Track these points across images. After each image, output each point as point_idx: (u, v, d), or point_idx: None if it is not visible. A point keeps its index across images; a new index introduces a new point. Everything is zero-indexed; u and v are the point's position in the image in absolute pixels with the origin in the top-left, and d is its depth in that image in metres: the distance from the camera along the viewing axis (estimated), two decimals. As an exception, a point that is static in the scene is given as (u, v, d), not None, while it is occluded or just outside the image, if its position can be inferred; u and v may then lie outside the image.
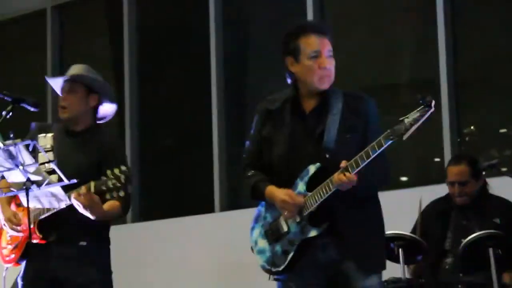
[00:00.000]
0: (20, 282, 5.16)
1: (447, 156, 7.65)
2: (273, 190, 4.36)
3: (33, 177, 4.77)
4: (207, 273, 8.58)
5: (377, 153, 4.08)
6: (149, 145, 9.75)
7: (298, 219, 4.31)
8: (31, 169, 4.75)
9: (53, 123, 5.33)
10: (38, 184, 4.76)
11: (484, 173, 6.20)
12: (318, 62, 4.34)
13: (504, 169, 7.29)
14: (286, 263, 4.34)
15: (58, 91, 5.28)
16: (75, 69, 5.30)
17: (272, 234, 4.40)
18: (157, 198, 9.65)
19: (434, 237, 6.02)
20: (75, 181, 4.79)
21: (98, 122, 5.32)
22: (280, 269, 4.36)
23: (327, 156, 4.27)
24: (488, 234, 5.62)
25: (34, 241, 5.01)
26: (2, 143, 4.75)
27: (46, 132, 5.25)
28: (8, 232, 5.19)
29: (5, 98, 5.23)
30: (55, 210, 4.98)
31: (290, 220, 4.33)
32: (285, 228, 4.35)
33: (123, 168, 4.78)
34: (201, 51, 9.28)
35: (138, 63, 9.82)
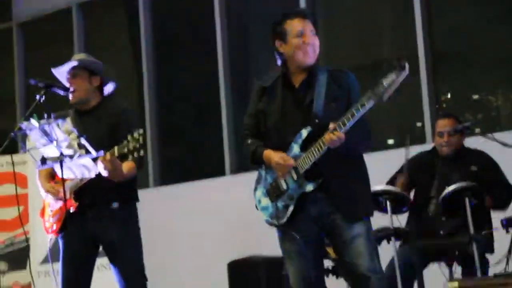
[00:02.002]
0: (60, 241, 5.20)
1: (427, 121, 7.67)
2: (269, 154, 4.39)
3: (66, 151, 4.80)
4: (221, 230, 8.64)
5: (361, 113, 4.11)
6: (166, 119, 9.77)
7: (295, 177, 4.34)
8: (64, 144, 4.79)
9: (68, 110, 5.34)
10: (71, 156, 4.81)
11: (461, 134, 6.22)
12: (303, 39, 4.40)
13: (477, 130, 7.33)
14: (288, 215, 4.37)
15: (64, 81, 5.28)
16: (77, 57, 5.34)
17: (273, 192, 4.43)
18: (175, 165, 9.69)
19: (422, 184, 6.04)
20: (102, 153, 4.84)
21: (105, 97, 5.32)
22: (284, 221, 4.39)
23: (317, 121, 4.30)
24: (465, 186, 5.65)
25: (71, 209, 5.04)
26: (38, 122, 4.79)
27: (65, 117, 5.25)
28: (51, 203, 5.23)
29: (38, 84, 5.25)
30: (86, 180, 5.01)
31: (288, 179, 4.36)
32: (285, 186, 4.38)
33: (141, 131, 4.80)
34: (208, 41, 9.28)
35: (154, 52, 9.82)
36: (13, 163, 5.25)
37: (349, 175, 4.34)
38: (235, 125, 8.98)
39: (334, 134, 4.15)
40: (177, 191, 9.17)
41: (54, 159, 4.85)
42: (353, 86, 4.42)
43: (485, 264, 5.71)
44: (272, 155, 4.37)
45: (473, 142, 6.21)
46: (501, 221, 5.62)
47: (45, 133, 4.78)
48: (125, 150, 4.77)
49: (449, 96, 8.15)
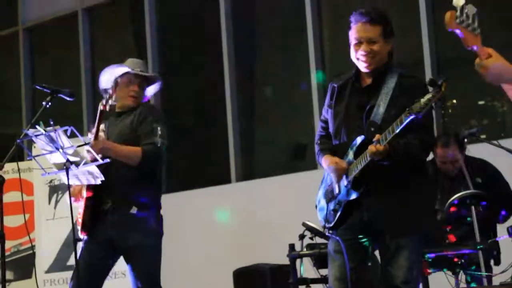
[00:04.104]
0: (82, 244, 5.18)
1: (435, 128, 7.65)
2: (327, 158, 4.45)
3: (72, 158, 4.80)
4: (226, 238, 8.61)
5: (400, 128, 4.09)
6: (171, 125, 9.74)
7: (345, 183, 4.37)
8: (70, 151, 4.78)
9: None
10: (77, 164, 4.80)
11: (465, 140, 6.19)
12: (358, 48, 4.39)
13: (482, 136, 7.30)
14: (335, 220, 4.43)
15: (113, 76, 5.33)
16: (138, 64, 5.42)
17: (328, 194, 4.50)
18: (181, 172, 9.68)
19: None
20: (108, 160, 4.83)
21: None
22: (331, 225, 4.45)
23: (372, 129, 4.28)
24: (471, 194, 5.63)
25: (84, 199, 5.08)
26: (44, 129, 4.78)
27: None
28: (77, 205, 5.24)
29: (44, 90, 5.24)
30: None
31: (342, 183, 4.39)
32: (337, 190, 4.42)
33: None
34: (214, 43, 9.27)
35: (159, 55, 9.82)
36: (19, 170, 5.24)
37: (396, 187, 4.29)
38: (241, 132, 8.97)
39: (376, 147, 4.15)
40: (182, 198, 9.16)
41: (60, 166, 4.85)
42: (419, 93, 4.21)
43: (490, 272, 5.69)
44: (328, 160, 4.43)
45: (477, 149, 6.19)
46: (508, 229, 5.59)
47: (51, 140, 4.77)
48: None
49: (454, 101, 8.12)
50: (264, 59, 9.32)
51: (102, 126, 5.09)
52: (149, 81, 5.42)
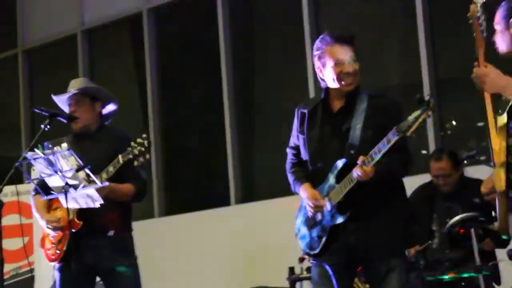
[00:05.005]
0: (57, 273, 5.16)
1: (432, 148, 7.64)
2: (305, 189, 4.41)
3: (71, 181, 4.80)
4: (226, 260, 8.58)
5: (386, 147, 4.08)
6: (171, 148, 9.76)
7: (329, 208, 4.33)
8: (69, 174, 4.77)
9: (63, 137, 5.30)
10: (75, 187, 4.80)
11: (465, 162, 6.19)
12: (341, 68, 4.37)
13: (482, 158, 7.28)
14: (321, 246, 4.37)
15: (64, 107, 5.27)
16: (77, 83, 5.32)
17: (309, 221, 4.43)
18: (179, 194, 9.66)
19: (423, 219, 6.00)
20: (107, 183, 4.82)
21: (105, 122, 5.33)
22: (317, 252, 4.40)
23: (352, 152, 4.27)
24: (470, 217, 5.61)
25: (74, 230, 5.01)
26: (42, 152, 4.78)
27: (60, 144, 5.22)
28: (51, 233, 5.19)
29: (43, 113, 5.24)
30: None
31: (325, 209, 4.34)
32: (320, 217, 4.38)
33: (144, 135, 4.85)
34: (214, 64, 9.29)
35: (158, 76, 9.84)
36: (17, 193, 5.23)
37: (381, 208, 4.30)
38: (241, 153, 8.97)
39: (362, 168, 4.13)
40: (182, 221, 9.14)
41: (59, 190, 4.84)
42: (393, 112, 4.33)
43: None
44: (306, 193, 4.39)
45: (476, 171, 6.18)
46: (507, 252, 5.57)
47: (50, 163, 4.77)
48: (130, 156, 4.85)
49: (454, 123, 8.11)
50: (264, 81, 9.33)
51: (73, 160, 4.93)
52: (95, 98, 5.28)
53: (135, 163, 4.86)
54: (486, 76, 3.75)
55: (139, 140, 4.88)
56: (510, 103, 3.79)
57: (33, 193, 5.17)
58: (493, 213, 4.80)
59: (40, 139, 5.01)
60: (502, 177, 3.79)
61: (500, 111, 3.81)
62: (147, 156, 4.85)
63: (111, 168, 4.94)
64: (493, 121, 3.84)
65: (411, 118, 4.02)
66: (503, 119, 3.80)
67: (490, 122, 3.84)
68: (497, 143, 3.82)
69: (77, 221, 5.02)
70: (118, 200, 5.02)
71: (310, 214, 4.41)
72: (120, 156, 4.90)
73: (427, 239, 5.88)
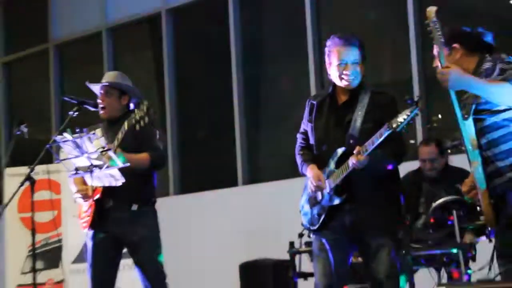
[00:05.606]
0: (89, 241, 5.20)
1: (419, 138, 7.68)
2: (312, 170, 4.48)
3: (95, 162, 4.85)
4: (232, 234, 8.64)
5: (379, 140, 4.18)
6: (186, 135, 9.79)
7: (328, 190, 4.41)
8: (94, 156, 4.83)
9: (98, 124, 5.33)
10: (100, 167, 4.85)
11: (449, 151, 6.23)
12: (343, 69, 4.44)
13: (464, 148, 7.30)
14: (319, 223, 4.46)
15: (98, 93, 5.31)
16: (110, 77, 5.34)
17: (311, 200, 4.52)
18: (193, 176, 9.71)
19: (410, 203, 6.04)
20: (128, 164, 4.87)
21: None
22: (316, 228, 4.49)
23: (351, 142, 4.35)
24: (453, 199, 5.65)
25: (96, 197, 5.08)
26: (71, 136, 4.83)
27: (96, 129, 5.25)
28: (81, 203, 5.23)
29: (72, 101, 5.30)
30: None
31: (324, 190, 4.42)
32: (320, 197, 4.46)
33: (146, 102, 4.90)
34: (225, 60, 9.30)
35: (175, 71, 9.85)
36: (48, 172, 5.28)
37: (376, 192, 4.36)
38: (248, 140, 9.02)
39: (357, 157, 4.22)
40: (194, 199, 9.18)
41: (85, 169, 4.89)
42: (391, 108, 4.37)
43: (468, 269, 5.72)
44: (312, 173, 4.46)
45: (460, 160, 6.22)
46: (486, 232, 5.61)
47: (77, 146, 4.81)
48: (133, 121, 4.85)
49: (440, 116, 8.15)
50: (270, 76, 9.35)
51: (99, 142, 4.95)
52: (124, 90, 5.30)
53: (137, 127, 4.84)
54: (448, 75, 3.79)
55: (141, 107, 4.89)
56: (473, 107, 3.84)
57: (71, 171, 5.22)
58: (478, 208, 4.84)
59: (68, 125, 5.04)
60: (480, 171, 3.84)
61: (465, 115, 3.86)
62: (146, 120, 4.82)
63: (119, 136, 4.95)
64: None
65: (401, 115, 4.13)
66: (470, 125, 3.84)
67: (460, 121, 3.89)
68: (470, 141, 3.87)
69: (98, 189, 5.07)
70: (137, 169, 4.99)
71: (310, 192, 4.49)
72: (125, 123, 4.93)
73: (413, 221, 5.93)
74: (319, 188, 4.43)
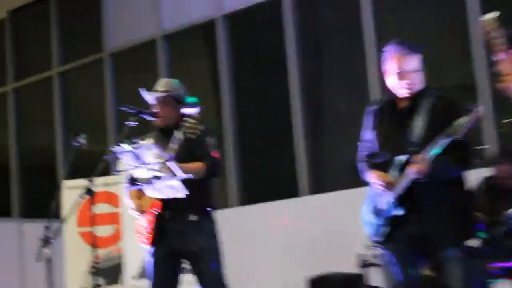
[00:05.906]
0: (150, 257, 5.09)
1: (487, 143, 7.46)
2: (373, 173, 4.40)
3: (155, 173, 4.75)
4: (295, 247, 8.49)
5: (437, 148, 4.12)
6: (244, 144, 9.70)
7: (391, 200, 4.30)
8: (153, 166, 4.73)
9: (151, 133, 5.27)
10: (159, 178, 4.75)
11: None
12: (398, 77, 4.39)
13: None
14: (384, 235, 4.37)
15: (151, 102, 5.24)
16: (165, 84, 5.28)
17: (375, 210, 4.42)
18: (253, 186, 9.60)
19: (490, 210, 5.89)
20: (191, 175, 4.75)
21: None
22: (381, 239, 4.40)
23: (412, 149, 4.25)
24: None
25: (155, 211, 5.00)
26: (131, 146, 4.75)
27: (146, 139, 5.18)
28: (138, 218, 5.16)
29: (129, 110, 5.20)
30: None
31: (387, 200, 4.32)
32: (384, 207, 4.35)
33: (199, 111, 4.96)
34: (281, 66, 9.21)
35: (231, 79, 9.79)
36: (106, 184, 5.20)
37: (440, 201, 4.25)
38: (309, 149, 8.88)
39: (417, 167, 4.15)
40: (256, 210, 9.10)
41: (144, 181, 4.80)
42: (454, 114, 4.23)
43: None
44: (374, 175, 4.38)
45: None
46: None
47: (136, 157, 4.74)
48: (188, 130, 4.83)
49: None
50: (328, 83, 9.22)
51: (157, 152, 4.90)
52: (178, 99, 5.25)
53: (191, 136, 4.81)
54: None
55: (194, 115, 4.87)
56: None
57: (128, 183, 5.12)
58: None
59: (126, 135, 4.95)
60: None
61: None
62: (200, 128, 4.82)
63: (175, 146, 4.91)
64: None
65: (459, 122, 4.08)
66: None
67: None
68: None
69: (155, 202, 4.99)
70: (194, 179, 4.90)
71: (381, 191, 4.35)
72: (180, 133, 4.87)
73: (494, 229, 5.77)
74: (389, 185, 4.29)
